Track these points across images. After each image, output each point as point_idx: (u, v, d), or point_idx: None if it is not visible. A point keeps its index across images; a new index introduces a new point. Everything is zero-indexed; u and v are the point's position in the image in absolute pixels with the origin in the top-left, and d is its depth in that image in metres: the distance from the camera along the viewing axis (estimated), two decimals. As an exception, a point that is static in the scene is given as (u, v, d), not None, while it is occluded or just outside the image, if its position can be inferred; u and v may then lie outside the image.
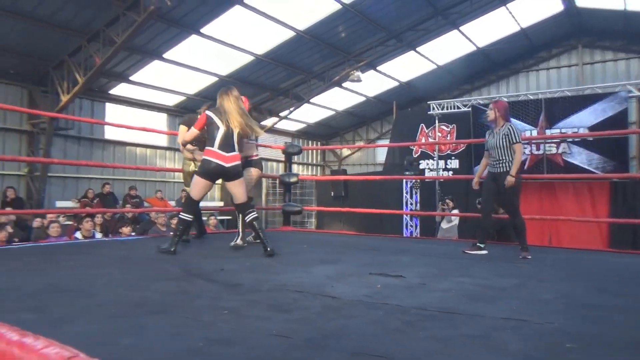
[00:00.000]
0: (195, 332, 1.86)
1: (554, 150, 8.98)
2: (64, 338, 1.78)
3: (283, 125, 16.08)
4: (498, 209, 5.36)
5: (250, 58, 11.82)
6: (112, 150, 12.35)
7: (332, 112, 16.62)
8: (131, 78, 11.65)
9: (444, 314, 2.21)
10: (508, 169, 4.30)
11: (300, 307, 2.27)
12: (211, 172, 3.87)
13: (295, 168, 15.47)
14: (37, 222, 7.43)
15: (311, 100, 14.51)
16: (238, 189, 4.00)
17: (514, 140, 4.32)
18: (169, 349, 1.68)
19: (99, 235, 6.70)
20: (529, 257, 4.14)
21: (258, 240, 4.18)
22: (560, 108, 9.13)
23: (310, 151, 18.56)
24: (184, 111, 13.34)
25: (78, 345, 1.65)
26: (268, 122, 15.23)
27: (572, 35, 14.08)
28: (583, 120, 8.86)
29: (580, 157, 8.81)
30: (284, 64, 12.51)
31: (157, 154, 13.32)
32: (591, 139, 8.64)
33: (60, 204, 10.49)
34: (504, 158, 4.34)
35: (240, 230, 4.46)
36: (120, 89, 12.04)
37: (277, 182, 12.40)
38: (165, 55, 10.93)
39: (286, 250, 4.25)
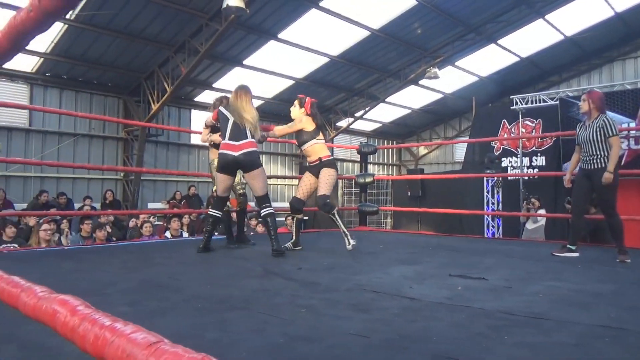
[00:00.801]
0: (276, 329, 1.91)
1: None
2: (153, 329, 1.91)
3: (358, 125, 16.07)
4: (590, 209, 4.98)
5: (325, 60, 11.93)
6: (197, 154, 13.02)
7: (408, 111, 16.34)
8: (214, 85, 12.22)
9: (532, 319, 2.09)
10: (603, 165, 3.95)
11: (379, 308, 2.25)
12: (224, 164, 3.87)
13: (370, 168, 15.42)
14: (132, 223, 8.02)
15: (387, 100, 14.37)
16: (254, 181, 3.91)
17: (610, 134, 3.96)
18: (251, 344, 1.73)
19: (185, 235, 7.10)
20: (628, 260, 3.79)
21: (297, 247, 4.31)
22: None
23: (385, 151, 18.37)
24: (263, 115, 13.80)
25: (166, 335, 1.77)
26: (343, 122, 15.29)
27: (677, 17, 12.75)
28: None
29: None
30: (359, 64, 12.50)
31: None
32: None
33: (151, 205, 11.27)
34: (598, 153, 4.00)
35: (293, 233, 4.43)
36: (204, 96, 12.67)
37: (353, 182, 12.42)
38: (245, 62, 11.34)
39: (363, 250, 4.23)
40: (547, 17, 11.88)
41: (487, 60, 13.60)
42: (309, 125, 4.29)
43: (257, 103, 13.38)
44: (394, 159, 18.84)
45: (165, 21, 9.43)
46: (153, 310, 2.17)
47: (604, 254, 4.24)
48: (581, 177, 4.14)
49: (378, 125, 17.00)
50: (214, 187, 4.45)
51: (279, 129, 4.41)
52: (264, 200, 3.93)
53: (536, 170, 9.70)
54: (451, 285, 2.86)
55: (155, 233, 6.81)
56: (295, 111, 4.39)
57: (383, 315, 2.12)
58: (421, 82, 13.67)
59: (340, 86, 13.62)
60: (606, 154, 3.96)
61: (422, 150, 18.37)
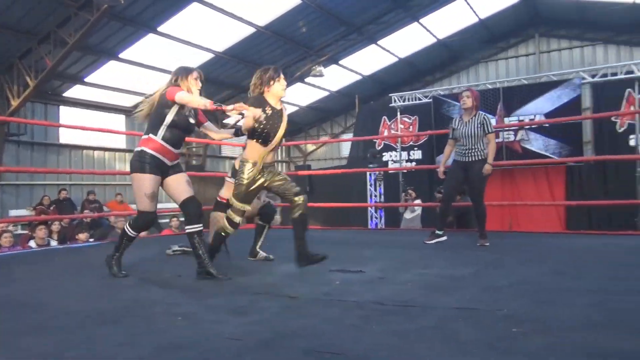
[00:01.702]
0: (148, 340, 1.82)
1: (512, 138, 9.19)
2: (13, 351, 1.72)
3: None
4: (457, 198, 5.42)
5: (209, 55, 11.63)
6: (68, 154, 11.95)
7: (296, 108, 16.56)
8: (86, 79, 11.29)
9: (401, 307, 2.23)
10: (480, 158, 4.30)
11: (258, 309, 2.24)
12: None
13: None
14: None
15: (274, 97, 14.41)
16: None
17: (489, 130, 4.34)
18: (117, 359, 1.63)
19: (54, 243, 6.46)
20: (487, 244, 4.21)
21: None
22: (517, 96, 9.33)
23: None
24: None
25: (25, 358, 1.60)
26: (230, 120, 15.02)
27: (530, 25, 14.42)
28: (540, 107, 9.09)
29: (537, 144, 9.04)
30: (245, 61, 12.36)
31: (115, 157, 12.98)
32: (547, 125, 8.88)
33: (14, 212, 10.10)
34: (477, 147, 4.31)
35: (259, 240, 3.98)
36: (74, 91, 11.65)
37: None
38: (121, 55, 10.63)
39: (248, 250, 4.19)
40: (421, 20, 12.75)
41: (369, 60, 14.26)
42: None
43: (137, 99, 12.62)
44: (283, 155, 19.00)
45: (26, 8, 8.48)
46: (11, 332, 1.95)
47: (468, 239, 4.66)
48: (456, 168, 4.42)
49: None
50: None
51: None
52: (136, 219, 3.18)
53: (414, 163, 10.40)
54: (330, 280, 2.95)
55: (17, 243, 6.13)
56: None
57: (261, 316, 2.12)
58: (307, 79, 13.92)
59: (226, 83, 13.37)
60: (483, 148, 4.32)
61: (310, 147, 18.75)
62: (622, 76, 8.49)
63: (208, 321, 2.06)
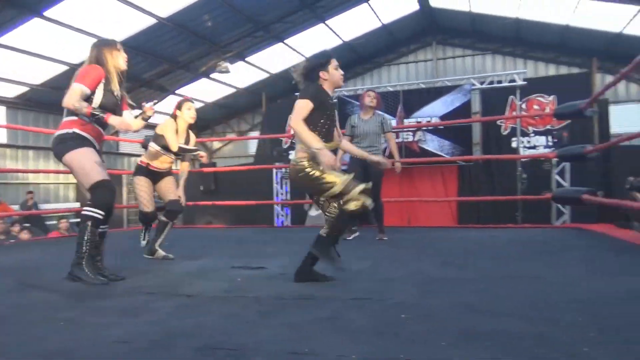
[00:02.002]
0: (23, 349, 1.66)
1: (410, 138, 9.71)
2: None
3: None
4: None
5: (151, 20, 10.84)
6: None
7: (201, 104, 16.11)
8: (-41, 65, 10.07)
9: (300, 300, 2.26)
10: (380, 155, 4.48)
11: (151, 309, 2.15)
12: None
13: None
14: None
15: (177, 92, 13.89)
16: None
17: (389, 129, 4.60)
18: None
19: None
20: (385, 238, 4.42)
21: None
22: (416, 99, 9.88)
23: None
24: (29, 103, 11.93)
25: None
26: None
27: (428, 33, 15.30)
28: (435, 110, 9.70)
29: (433, 144, 9.64)
30: (146, 53, 11.77)
31: (-7, 153, 11.74)
32: (442, 127, 9.50)
33: None
34: (375, 145, 4.54)
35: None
36: (-55, 78, 10.35)
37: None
38: (0, 41, 9.61)
39: (142, 248, 3.99)
40: (327, 22, 13.00)
41: (277, 58, 14.25)
42: None
43: (21, 90, 11.49)
44: (189, 152, 18.39)
45: None
46: None
47: (368, 234, 4.85)
48: (356, 165, 4.50)
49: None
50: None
51: None
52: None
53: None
54: (232, 277, 2.91)
55: None
56: None
57: (154, 316, 2.03)
58: (213, 75, 13.59)
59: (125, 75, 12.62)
60: (380, 146, 4.56)
61: (216, 144, 18.34)
62: (506, 84, 9.32)
63: (94, 325, 1.94)
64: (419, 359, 1.46)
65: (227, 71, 12.08)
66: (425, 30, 15.17)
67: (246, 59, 13.75)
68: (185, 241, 4.59)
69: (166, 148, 3.76)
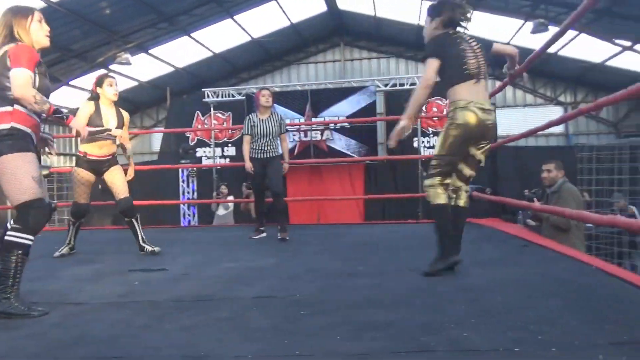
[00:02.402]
0: None
1: (319, 137, 9.88)
2: None
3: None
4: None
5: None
6: None
7: (101, 97, 15.11)
8: None
9: (199, 302, 2.20)
10: (278, 154, 4.54)
11: (34, 321, 1.98)
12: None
13: (47, 159, 13.54)
14: None
15: (72, 83, 12.89)
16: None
17: (285, 130, 4.64)
18: None
19: None
20: (287, 237, 4.32)
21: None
22: (324, 99, 10.08)
23: (68, 139, 15.95)
24: None
25: None
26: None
27: (336, 34, 15.63)
28: (342, 110, 9.96)
29: (340, 143, 9.90)
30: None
31: None
32: (348, 126, 9.78)
33: None
34: (274, 143, 4.52)
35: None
36: None
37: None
38: None
39: (34, 253, 3.67)
40: (235, 17, 12.78)
41: (182, 52, 13.74)
42: None
43: None
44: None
45: None
46: None
47: (276, 232, 4.84)
48: (256, 165, 4.53)
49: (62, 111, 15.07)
50: None
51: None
52: (18, 215, 2.18)
53: (228, 160, 10.41)
54: (129, 281, 2.77)
55: None
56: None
57: (35, 329, 1.87)
58: (112, 67, 12.78)
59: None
60: (278, 145, 4.58)
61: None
62: (408, 87, 9.81)
63: (-38, 341, 1.74)
64: (314, 353, 1.49)
65: (128, 63, 11.44)
66: (334, 31, 15.50)
67: (149, 51, 13.10)
68: (82, 244, 4.28)
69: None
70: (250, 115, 4.70)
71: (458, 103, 2.56)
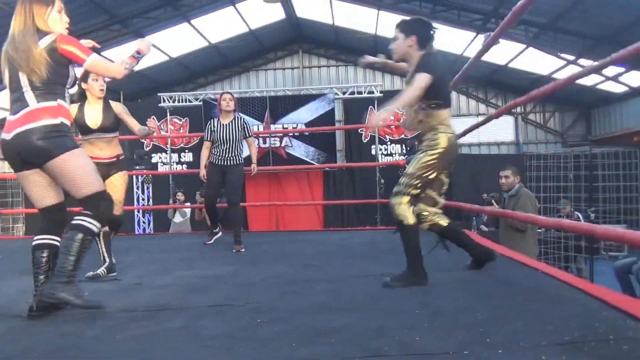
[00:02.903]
0: None
1: (277, 144, 9.88)
2: None
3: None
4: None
5: None
6: None
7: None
8: None
9: (152, 311, 2.16)
10: (238, 162, 4.31)
11: (-28, 333, 1.88)
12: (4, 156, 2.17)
13: None
14: None
15: (21, 85, 12.35)
16: (62, 178, 2.14)
17: (251, 134, 4.42)
18: None
19: None
20: (242, 249, 4.14)
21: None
22: (282, 105, 10.10)
23: None
24: None
25: None
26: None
27: (295, 41, 15.67)
28: (301, 116, 10.01)
29: (299, 150, 9.94)
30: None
31: None
32: (307, 133, 9.84)
33: None
34: (236, 150, 4.30)
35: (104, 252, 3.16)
36: None
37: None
38: None
39: None
40: (192, 22, 12.60)
41: (137, 55, 13.44)
42: None
43: None
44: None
45: None
46: None
47: (232, 239, 4.79)
48: (214, 171, 4.36)
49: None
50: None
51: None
52: (88, 204, 2.16)
53: (185, 166, 10.24)
54: (79, 291, 2.67)
55: None
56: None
57: (-25, 342, 1.78)
58: (64, 69, 12.35)
59: None
60: (241, 152, 4.35)
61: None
62: (366, 95, 9.98)
63: None
64: (268, 361, 1.49)
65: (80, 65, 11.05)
66: (293, 38, 15.54)
67: (102, 53, 12.72)
68: (27, 253, 4.09)
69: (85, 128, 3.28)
70: (211, 120, 4.53)
71: (441, 128, 2.56)
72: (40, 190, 2.20)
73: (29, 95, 2.11)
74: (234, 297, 2.40)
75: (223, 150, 4.32)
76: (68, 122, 2.20)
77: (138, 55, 2.40)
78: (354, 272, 3.05)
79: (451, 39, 12.09)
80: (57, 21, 2.24)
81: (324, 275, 2.95)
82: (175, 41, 13.30)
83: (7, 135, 2.12)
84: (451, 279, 2.62)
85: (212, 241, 4.53)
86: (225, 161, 4.33)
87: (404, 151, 9.82)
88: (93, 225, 2.16)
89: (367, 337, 1.64)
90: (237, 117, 4.41)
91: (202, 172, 4.51)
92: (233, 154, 4.32)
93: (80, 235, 2.11)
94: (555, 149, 12.72)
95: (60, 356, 1.59)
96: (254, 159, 4.49)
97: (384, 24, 12.35)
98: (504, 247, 3.64)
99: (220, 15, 12.64)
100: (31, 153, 2.09)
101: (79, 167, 2.13)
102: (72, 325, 1.96)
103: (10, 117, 2.14)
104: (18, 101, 2.12)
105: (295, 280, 2.81)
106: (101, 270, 3.08)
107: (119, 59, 2.37)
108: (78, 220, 2.14)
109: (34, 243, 2.24)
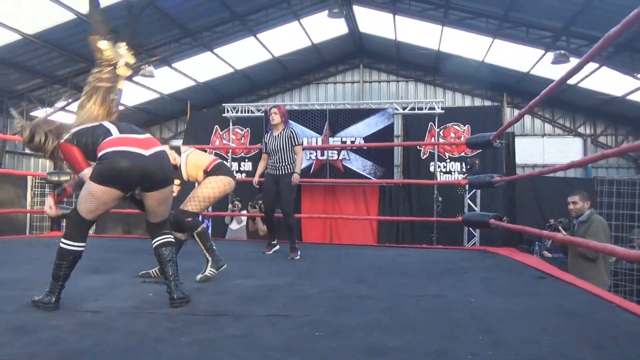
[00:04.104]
0: None
1: (335, 157, 9.92)
2: None
3: (59, 118, 14.22)
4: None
5: (16, 37, 10.13)
6: None
7: (121, 107, 15.37)
8: None
9: (212, 317, 2.21)
10: (289, 171, 4.50)
11: (49, 327, 2.01)
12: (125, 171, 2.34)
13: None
14: None
15: (97, 93, 13.18)
16: (166, 203, 2.63)
17: (296, 143, 4.59)
18: None
19: None
20: (297, 257, 4.30)
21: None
22: (342, 119, 10.15)
23: None
24: None
25: None
26: (39, 113, 13.31)
27: (356, 56, 15.79)
28: (360, 131, 10.02)
29: (356, 163, 9.93)
30: (61, 49, 11.08)
31: None
32: (365, 148, 9.82)
33: None
34: (286, 160, 4.51)
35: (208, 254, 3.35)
36: None
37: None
38: None
39: (44, 259, 3.72)
40: (258, 36, 13.01)
41: (204, 67, 13.99)
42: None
43: None
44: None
45: None
46: None
47: (287, 249, 4.85)
48: (269, 181, 4.61)
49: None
50: None
51: None
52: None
53: (244, 174, 10.49)
54: (143, 292, 2.80)
55: None
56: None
57: (52, 335, 1.90)
58: (136, 78, 13.06)
59: (37, 70, 11.79)
60: (293, 161, 4.56)
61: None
62: (426, 111, 9.85)
63: (-19, 343, 1.77)
64: (327, 376, 1.49)
65: (152, 75, 11.69)
66: (354, 53, 15.66)
67: (172, 65, 13.37)
68: (96, 252, 4.33)
69: None
70: (266, 133, 4.83)
71: None
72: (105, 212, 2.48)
73: None
74: (289, 308, 2.42)
75: (275, 160, 4.55)
76: None
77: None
78: (408, 291, 2.99)
79: (518, 56, 11.74)
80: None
81: (378, 292, 2.91)
82: (240, 54, 13.76)
83: (144, 152, 2.34)
84: (514, 305, 2.51)
85: (270, 252, 4.62)
86: (278, 170, 4.56)
87: (464, 169, 9.57)
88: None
89: (428, 359, 1.60)
90: (287, 129, 4.61)
91: (256, 179, 4.80)
92: (284, 164, 4.54)
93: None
94: (628, 174, 11.97)
95: (128, 355, 1.66)
96: (297, 169, 4.60)
97: (448, 39, 12.20)
98: (573, 275, 3.44)
99: (284, 29, 12.97)
100: (163, 173, 2.42)
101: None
102: (138, 325, 2.05)
103: (136, 135, 2.44)
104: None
105: (349, 295, 2.79)
106: (208, 271, 3.28)
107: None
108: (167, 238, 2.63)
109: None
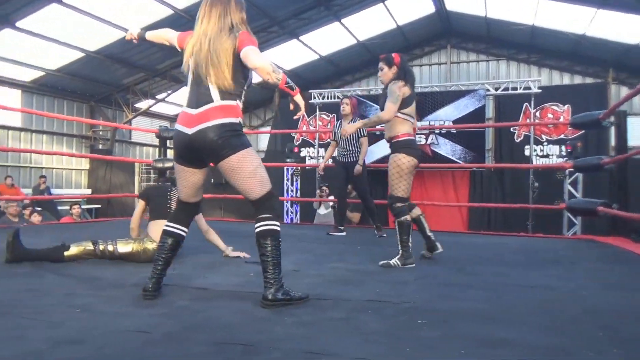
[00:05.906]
0: (40, 333, 1.68)
1: (423, 141, 9.66)
2: None
3: (159, 108, 15.22)
4: (350, 193, 5.93)
5: (122, 34, 10.94)
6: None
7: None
8: (-29, 51, 10.14)
9: (313, 299, 2.25)
10: (356, 159, 4.80)
11: (165, 301, 2.16)
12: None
13: (170, 153, 14.76)
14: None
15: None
16: (236, 177, 2.19)
17: (364, 134, 4.84)
18: (5, 353, 1.48)
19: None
20: (385, 235, 4.64)
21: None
22: (429, 102, 9.83)
23: None
24: (44, 88, 12.01)
25: None
26: (143, 104, 14.32)
27: (443, 36, 15.21)
28: (448, 114, 9.66)
29: (445, 148, 9.60)
30: (160, 43, 11.79)
31: (9, 135, 11.80)
32: (455, 131, 9.46)
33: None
34: (353, 149, 4.82)
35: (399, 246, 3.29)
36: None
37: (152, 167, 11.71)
38: (18, 24, 9.67)
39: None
40: (343, 20, 12.96)
41: (290, 55, 14.23)
42: (407, 90, 3.36)
43: (36, 74, 11.55)
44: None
45: None
46: None
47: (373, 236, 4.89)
48: (339, 168, 4.97)
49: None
50: None
51: (387, 112, 3.29)
52: (263, 205, 2.21)
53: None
54: (244, 272, 2.92)
55: None
56: (388, 74, 3.41)
57: (168, 308, 2.04)
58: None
59: (140, 65, 12.68)
60: (359, 150, 4.79)
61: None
62: (521, 91, 9.25)
63: (109, 314, 1.95)
64: (437, 365, 1.45)
65: (242, 65, 12.06)
66: (440, 33, 15.08)
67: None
68: (197, 234, 4.61)
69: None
70: (337, 121, 5.14)
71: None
72: (192, 190, 2.33)
73: (214, 92, 2.19)
74: (387, 294, 2.39)
75: (342, 148, 4.91)
76: (241, 121, 2.28)
77: (291, 86, 2.25)
78: (511, 280, 2.84)
79: (623, 28, 10.63)
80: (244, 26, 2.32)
81: (479, 281, 2.80)
82: (325, 40, 13.81)
83: (188, 130, 2.18)
84: (635, 302, 2.29)
85: (334, 234, 4.85)
86: (346, 158, 4.90)
87: (564, 152, 8.90)
88: (276, 225, 2.18)
89: (546, 355, 1.51)
90: (356, 119, 4.85)
91: (321, 166, 5.39)
92: (352, 152, 4.85)
93: (269, 241, 2.15)
94: None
95: (239, 331, 1.73)
96: (360, 160, 4.86)
97: (544, 13, 11.33)
98: None
99: (369, 12, 12.79)
100: (211, 150, 2.14)
101: (255, 166, 2.18)
102: (243, 304, 2.13)
103: (190, 111, 2.21)
104: (201, 95, 2.20)
105: (448, 283, 2.71)
106: (393, 261, 3.24)
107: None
108: (262, 227, 2.17)
109: (163, 228, 2.35)
